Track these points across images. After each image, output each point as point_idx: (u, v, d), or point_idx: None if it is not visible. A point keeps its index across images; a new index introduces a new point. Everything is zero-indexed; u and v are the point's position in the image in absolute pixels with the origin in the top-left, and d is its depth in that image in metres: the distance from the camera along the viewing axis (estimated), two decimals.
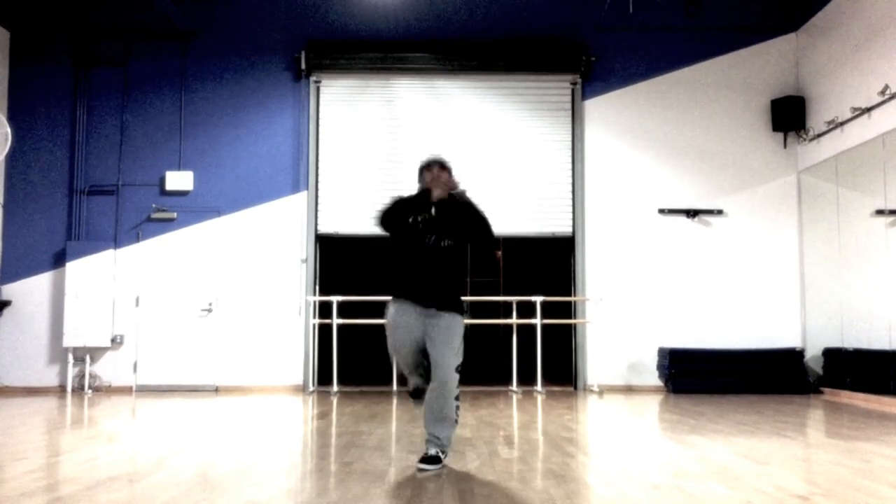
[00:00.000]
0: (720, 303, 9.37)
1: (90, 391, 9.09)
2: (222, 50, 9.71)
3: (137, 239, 9.45)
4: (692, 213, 9.49)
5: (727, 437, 5.33)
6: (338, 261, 11.30)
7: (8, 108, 9.45)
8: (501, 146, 9.62)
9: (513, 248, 11.03)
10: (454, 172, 4.24)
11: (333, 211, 9.54)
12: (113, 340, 9.25)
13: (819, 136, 9.05)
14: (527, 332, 9.10)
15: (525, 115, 9.68)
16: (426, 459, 4.07)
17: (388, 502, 3.33)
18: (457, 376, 4.08)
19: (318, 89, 9.66)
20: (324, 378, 9.25)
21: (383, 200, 10.38)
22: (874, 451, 4.68)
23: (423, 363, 4.23)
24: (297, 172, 9.52)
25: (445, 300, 4.14)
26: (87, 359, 9.22)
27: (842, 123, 8.55)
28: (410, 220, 4.15)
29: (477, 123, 9.65)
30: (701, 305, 9.37)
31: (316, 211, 9.51)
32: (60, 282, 9.32)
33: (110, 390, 9.18)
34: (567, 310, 9.66)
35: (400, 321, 4.13)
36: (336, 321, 8.83)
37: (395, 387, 8.68)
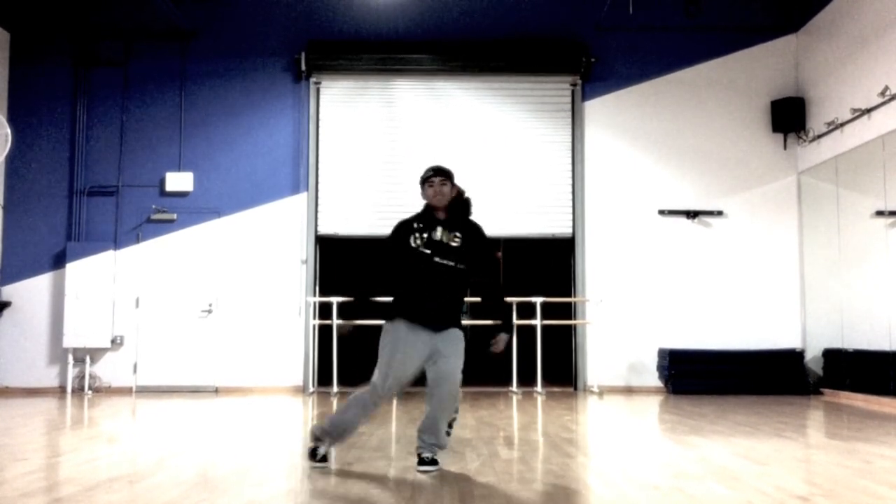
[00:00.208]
0: (720, 304, 9.37)
1: (90, 392, 9.09)
2: (222, 50, 9.71)
3: (137, 240, 9.45)
4: (692, 214, 9.49)
5: (727, 437, 5.33)
6: (338, 262, 11.28)
7: (8, 109, 9.45)
8: (501, 147, 9.62)
9: (513, 248, 11.02)
10: (455, 179, 4.15)
11: (333, 212, 9.54)
12: (113, 341, 9.25)
13: (819, 137, 9.05)
14: (527, 333, 9.10)
15: (525, 116, 9.68)
16: (425, 462, 4.06)
17: (388, 502, 3.33)
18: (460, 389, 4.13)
19: (318, 90, 9.66)
20: (324, 379, 9.25)
21: (383, 200, 10.30)
22: (874, 452, 4.68)
23: (408, 384, 4.20)
24: (297, 173, 9.52)
25: (453, 319, 4.11)
26: (87, 359, 9.22)
27: (842, 124, 8.55)
28: (413, 243, 4.03)
29: (477, 124, 9.65)
30: (701, 306, 9.37)
31: (316, 212, 9.51)
32: (60, 282, 9.32)
33: (110, 391, 9.17)
34: (567, 311, 9.66)
35: (405, 344, 4.00)
36: (336, 322, 8.82)
37: None
